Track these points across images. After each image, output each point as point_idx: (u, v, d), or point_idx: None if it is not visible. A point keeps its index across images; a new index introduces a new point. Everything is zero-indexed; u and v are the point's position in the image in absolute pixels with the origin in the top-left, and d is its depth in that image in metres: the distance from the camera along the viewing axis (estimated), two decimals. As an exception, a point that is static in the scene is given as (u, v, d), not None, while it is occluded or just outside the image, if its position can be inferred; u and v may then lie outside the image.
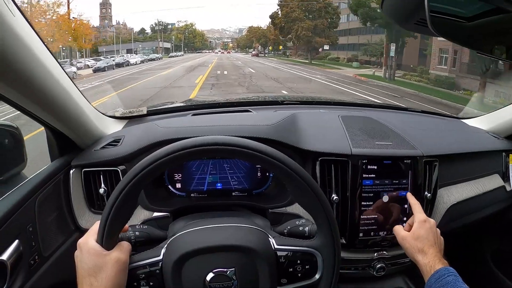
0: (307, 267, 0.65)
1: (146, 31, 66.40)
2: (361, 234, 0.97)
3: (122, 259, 0.62)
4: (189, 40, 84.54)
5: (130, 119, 1.33)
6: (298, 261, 0.65)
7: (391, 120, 1.16)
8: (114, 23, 67.88)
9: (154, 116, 1.36)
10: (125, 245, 0.65)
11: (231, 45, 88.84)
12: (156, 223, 0.96)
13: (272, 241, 0.66)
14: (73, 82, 0.89)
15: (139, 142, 1.05)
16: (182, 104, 1.60)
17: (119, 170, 1.03)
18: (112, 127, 1.22)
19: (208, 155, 0.83)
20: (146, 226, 0.77)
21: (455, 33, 0.47)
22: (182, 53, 69.07)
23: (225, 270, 0.61)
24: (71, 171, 1.02)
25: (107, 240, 0.61)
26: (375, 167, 0.95)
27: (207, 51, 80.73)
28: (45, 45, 0.73)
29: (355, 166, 0.95)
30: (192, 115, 1.31)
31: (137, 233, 0.74)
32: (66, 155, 1.04)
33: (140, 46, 63.35)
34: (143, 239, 0.74)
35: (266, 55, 53.82)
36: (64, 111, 0.88)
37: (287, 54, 46.91)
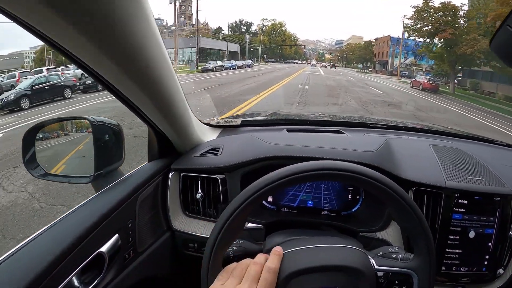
0: (403, 287, 0.63)
1: (223, 30, 50.70)
2: (443, 268, 0.89)
3: None
4: (276, 44, 57.40)
5: (224, 128, 1.26)
6: (396, 282, 0.63)
7: (479, 153, 1.05)
8: (193, 21, 45.23)
9: (247, 128, 1.29)
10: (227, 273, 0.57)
11: (328, 56, 60.30)
12: (248, 234, 0.94)
13: (372, 261, 0.63)
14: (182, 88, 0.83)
15: (244, 154, 0.99)
16: (274, 118, 1.53)
17: (218, 179, 0.97)
18: (208, 135, 1.16)
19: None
20: (242, 241, 0.73)
21: None
22: (243, 62, 32.33)
23: None
24: (170, 174, 0.99)
25: (215, 262, 0.58)
26: (466, 202, 0.87)
27: (299, 62, 51.70)
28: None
29: (448, 199, 0.87)
30: (287, 131, 1.20)
31: (234, 248, 0.70)
32: (165, 158, 1.01)
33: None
34: (240, 253, 0.70)
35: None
36: (177, 115, 0.86)
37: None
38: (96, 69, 0.60)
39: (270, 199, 1.01)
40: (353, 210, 1.00)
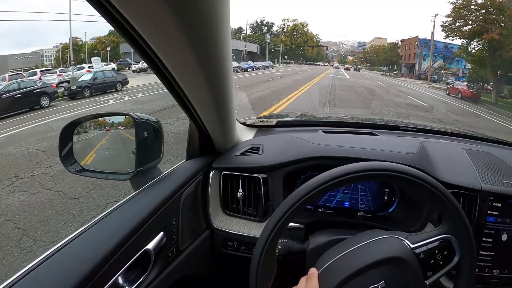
0: (445, 253, 0.63)
1: (244, 31, 48.36)
2: (476, 270, 0.82)
3: None
4: (297, 45, 55.73)
5: (259, 128, 1.28)
6: (436, 251, 0.63)
7: (510, 157, 1.06)
8: None
9: (282, 128, 1.29)
10: None
11: (351, 58, 58.78)
12: (289, 233, 0.93)
13: (406, 242, 0.63)
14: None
15: (286, 154, 0.98)
16: (308, 119, 1.58)
17: (260, 178, 0.97)
18: (245, 134, 1.17)
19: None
20: (286, 240, 0.74)
21: None
22: (261, 63, 30.42)
23: (376, 285, 0.59)
24: (211, 173, 0.99)
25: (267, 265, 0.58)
26: (500, 205, 0.87)
27: (321, 64, 50.65)
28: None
29: (482, 202, 0.87)
30: (322, 132, 1.20)
31: (279, 247, 0.71)
32: (205, 156, 1.00)
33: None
34: (284, 252, 0.72)
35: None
36: (227, 113, 0.86)
37: None
38: (165, 61, 0.60)
39: None
40: (389, 211, 0.98)
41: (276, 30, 53.70)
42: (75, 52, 33.82)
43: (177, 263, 0.82)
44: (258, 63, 30.61)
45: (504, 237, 0.86)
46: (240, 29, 51.91)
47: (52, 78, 14.91)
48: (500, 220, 0.86)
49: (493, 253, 0.87)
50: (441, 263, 0.63)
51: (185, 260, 0.86)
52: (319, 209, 1.00)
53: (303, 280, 0.60)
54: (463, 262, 0.63)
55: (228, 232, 0.98)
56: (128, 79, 14.59)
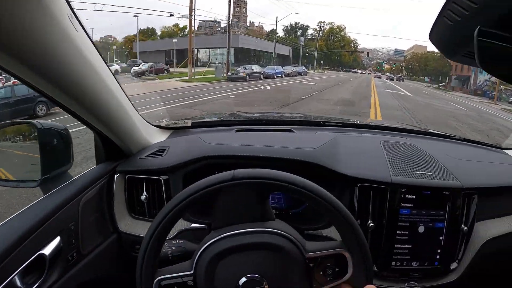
0: (337, 269, 0.63)
1: (278, 34, 45.51)
2: (393, 263, 0.90)
3: None
4: (334, 50, 51.89)
5: (175, 130, 1.26)
6: (328, 264, 0.62)
7: (434, 148, 1.07)
8: (248, 24, 46.94)
9: (198, 129, 1.29)
10: None
11: (388, 66, 58.07)
12: (192, 234, 0.94)
13: (302, 247, 0.62)
14: (124, 92, 0.86)
15: (183, 155, 1.01)
16: (225, 119, 1.57)
17: (161, 180, 0.98)
18: (157, 137, 1.16)
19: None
20: (181, 241, 0.75)
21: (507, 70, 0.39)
22: (292, 69, 25.40)
23: (254, 275, 0.59)
24: (116, 176, 0.98)
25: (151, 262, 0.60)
26: (413, 197, 0.87)
27: (359, 71, 47.66)
28: (101, 56, 0.73)
29: (393, 195, 0.87)
30: (236, 131, 1.22)
31: (173, 247, 0.72)
32: (111, 160, 1.00)
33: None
34: (180, 253, 0.72)
35: None
36: (114, 118, 0.86)
37: None
38: (35, 84, 0.63)
39: None
40: (301, 208, 0.99)
41: (312, 34, 50.20)
42: (104, 51, 32.31)
43: (80, 267, 0.83)
44: (288, 68, 25.41)
45: (421, 229, 0.86)
46: (273, 31, 48.98)
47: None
48: (415, 212, 0.85)
49: (410, 246, 0.86)
50: (330, 278, 0.62)
51: (89, 264, 0.86)
52: None
53: None
54: (358, 274, 0.60)
55: (134, 235, 0.96)
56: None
